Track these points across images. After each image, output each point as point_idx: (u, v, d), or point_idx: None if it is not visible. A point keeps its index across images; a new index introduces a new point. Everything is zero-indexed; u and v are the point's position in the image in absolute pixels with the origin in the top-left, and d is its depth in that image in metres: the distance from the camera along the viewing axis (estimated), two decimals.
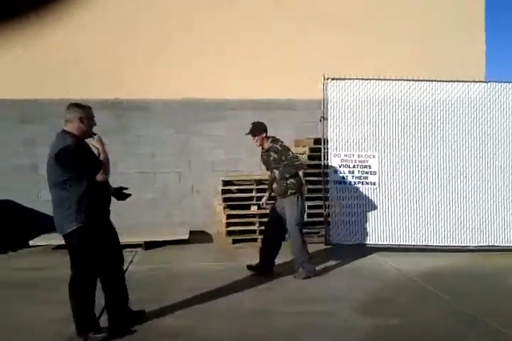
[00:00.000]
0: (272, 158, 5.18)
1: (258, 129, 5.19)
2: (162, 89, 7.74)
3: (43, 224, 6.87)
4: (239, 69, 7.89)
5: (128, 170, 7.58)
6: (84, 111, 3.59)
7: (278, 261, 5.87)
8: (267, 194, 5.55)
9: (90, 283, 3.58)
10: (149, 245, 6.79)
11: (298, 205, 5.16)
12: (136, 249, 6.66)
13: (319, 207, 6.77)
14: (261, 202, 5.57)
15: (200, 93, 7.84)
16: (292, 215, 5.14)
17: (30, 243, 6.65)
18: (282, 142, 5.26)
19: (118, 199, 3.94)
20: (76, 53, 7.68)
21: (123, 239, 6.60)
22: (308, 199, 6.89)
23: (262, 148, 5.32)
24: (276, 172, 5.12)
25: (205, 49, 7.90)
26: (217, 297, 4.55)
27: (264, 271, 5.27)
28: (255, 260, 5.56)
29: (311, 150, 6.98)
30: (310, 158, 6.98)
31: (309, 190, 6.91)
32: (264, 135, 5.21)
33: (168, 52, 7.84)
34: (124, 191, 3.98)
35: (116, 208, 7.48)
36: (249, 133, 5.22)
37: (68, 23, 7.68)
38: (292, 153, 5.20)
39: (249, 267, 5.31)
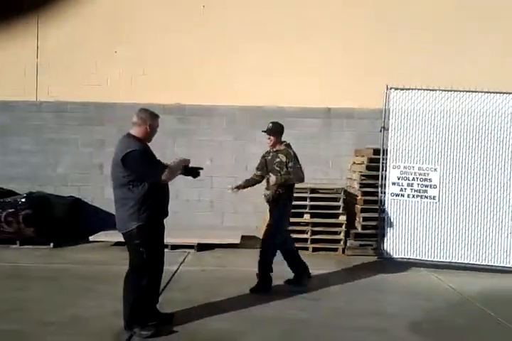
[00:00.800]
0: (278, 159, 5.01)
1: (276, 129, 5.08)
2: (223, 96, 7.90)
3: (104, 221, 7.21)
4: (299, 77, 7.89)
5: None
6: (154, 118, 3.80)
7: (328, 270, 5.80)
8: (242, 184, 5.29)
9: (145, 279, 3.70)
10: (202, 247, 6.90)
11: (284, 215, 5.08)
12: (189, 249, 6.81)
13: (374, 219, 6.62)
14: (230, 186, 5.28)
15: (259, 100, 7.92)
16: (274, 224, 5.05)
17: (91, 238, 6.96)
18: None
19: (188, 175, 4.07)
20: (142, 60, 8.00)
21: (178, 240, 6.82)
22: (364, 211, 6.78)
23: (271, 149, 5.16)
24: (273, 177, 4.95)
25: (267, 57, 7.96)
26: (264, 303, 4.55)
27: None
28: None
29: (370, 160, 6.84)
30: (368, 168, 6.84)
31: (365, 202, 6.78)
32: (279, 137, 5.12)
33: (231, 61, 7.97)
34: (198, 170, 4.09)
35: (174, 209, 7.69)
36: (265, 131, 5.08)
37: (136, 36, 8.02)
38: (300, 164, 5.07)
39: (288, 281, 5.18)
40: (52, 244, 6.90)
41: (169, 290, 4.94)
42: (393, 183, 6.10)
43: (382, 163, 6.17)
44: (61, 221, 7.33)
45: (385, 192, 6.13)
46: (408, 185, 6.05)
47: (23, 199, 6.95)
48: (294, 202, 6.95)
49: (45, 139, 8.07)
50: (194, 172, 4.04)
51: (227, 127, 8.08)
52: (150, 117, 3.75)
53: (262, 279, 4.98)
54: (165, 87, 7.92)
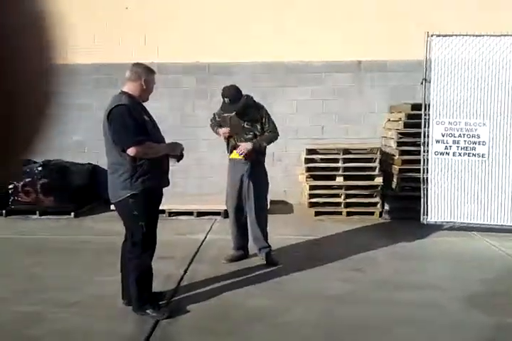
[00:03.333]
0: (249, 116, 4.31)
1: (238, 97, 4.27)
2: (244, 53, 7.29)
3: None
4: (324, 27, 7.19)
5: (210, 136, 7.30)
6: (150, 73, 3.34)
7: (366, 236, 5.37)
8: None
9: (148, 254, 3.32)
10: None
11: (266, 174, 4.55)
12: (215, 216, 6.44)
13: (414, 180, 6.12)
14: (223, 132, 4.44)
15: (283, 56, 7.29)
16: (265, 186, 4.53)
17: (112, 207, 6.62)
18: None
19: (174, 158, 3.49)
20: (156, 16, 7.38)
21: (203, 206, 6.46)
22: (402, 171, 6.25)
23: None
24: (248, 144, 4.28)
25: (286, 6, 7.25)
26: (299, 275, 4.16)
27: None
28: (337, 234, 5.20)
29: (408, 116, 6.25)
30: (406, 125, 6.26)
31: (403, 162, 6.24)
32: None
33: (249, 13, 7.29)
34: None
35: (197, 174, 7.26)
36: (235, 110, 4.24)
37: None
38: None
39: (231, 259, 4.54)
40: (73, 214, 6.61)
41: (197, 261, 4.59)
42: (437, 141, 5.52)
43: (425, 118, 5.57)
44: (80, 189, 7.01)
45: (427, 151, 5.57)
46: (454, 142, 5.47)
47: (40, 168, 6.61)
48: (326, 164, 6.53)
49: (58, 105, 7.63)
50: (180, 156, 3.45)
51: (252, 86, 7.49)
52: (145, 72, 3.30)
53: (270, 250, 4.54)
54: (182, 45, 7.34)
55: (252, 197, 4.45)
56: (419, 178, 6.06)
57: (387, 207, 6.32)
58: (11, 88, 0.42)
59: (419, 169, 6.05)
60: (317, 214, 6.41)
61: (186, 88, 7.52)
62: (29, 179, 6.56)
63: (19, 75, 0.43)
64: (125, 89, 3.28)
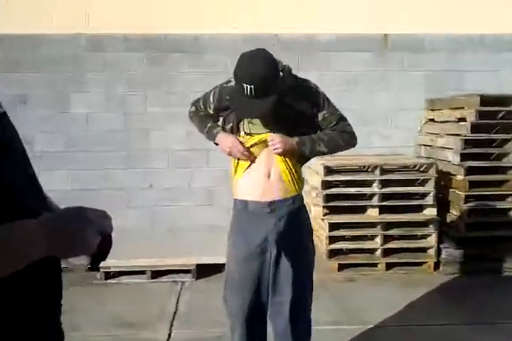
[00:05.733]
0: (293, 113, 2.08)
1: (273, 76, 2.01)
2: (220, 21, 4.91)
3: None
4: None
5: (170, 145, 4.92)
6: None
7: (451, 318, 3.08)
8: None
9: None
10: (202, 270, 4.09)
11: (311, 230, 2.29)
12: (182, 277, 4.04)
13: (488, 212, 4.00)
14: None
15: (276, 26, 4.95)
16: (311, 262, 2.26)
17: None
18: None
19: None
20: None
21: (161, 261, 4.04)
22: (470, 199, 4.05)
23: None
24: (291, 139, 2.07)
25: None
26: None
27: None
28: (394, 317, 3.07)
29: (480, 114, 4.04)
30: (475, 128, 4.06)
31: (471, 185, 4.04)
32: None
33: None
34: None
35: (148, 202, 4.89)
36: (261, 97, 1.96)
37: None
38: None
39: None
40: None
41: None
42: None
43: None
44: None
45: None
46: None
47: None
48: (351, 190, 4.26)
49: None
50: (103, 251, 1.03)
51: (228, 67, 5.08)
52: None
53: None
54: (125, 7, 4.85)
55: (286, 287, 2.14)
56: (500, 209, 3.99)
57: (444, 254, 4.14)
58: None
59: (501, 196, 3.98)
60: (341, 267, 4.14)
61: (133, 73, 5.05)
62: None
63: None
64: None
